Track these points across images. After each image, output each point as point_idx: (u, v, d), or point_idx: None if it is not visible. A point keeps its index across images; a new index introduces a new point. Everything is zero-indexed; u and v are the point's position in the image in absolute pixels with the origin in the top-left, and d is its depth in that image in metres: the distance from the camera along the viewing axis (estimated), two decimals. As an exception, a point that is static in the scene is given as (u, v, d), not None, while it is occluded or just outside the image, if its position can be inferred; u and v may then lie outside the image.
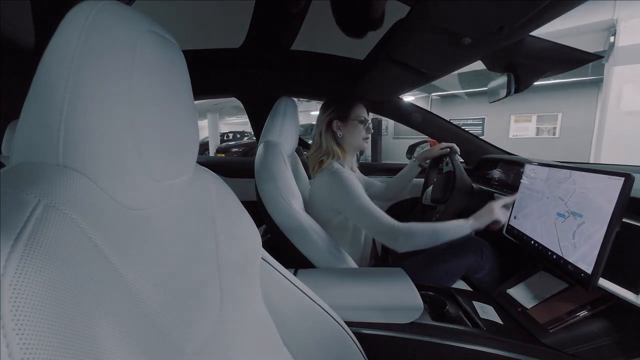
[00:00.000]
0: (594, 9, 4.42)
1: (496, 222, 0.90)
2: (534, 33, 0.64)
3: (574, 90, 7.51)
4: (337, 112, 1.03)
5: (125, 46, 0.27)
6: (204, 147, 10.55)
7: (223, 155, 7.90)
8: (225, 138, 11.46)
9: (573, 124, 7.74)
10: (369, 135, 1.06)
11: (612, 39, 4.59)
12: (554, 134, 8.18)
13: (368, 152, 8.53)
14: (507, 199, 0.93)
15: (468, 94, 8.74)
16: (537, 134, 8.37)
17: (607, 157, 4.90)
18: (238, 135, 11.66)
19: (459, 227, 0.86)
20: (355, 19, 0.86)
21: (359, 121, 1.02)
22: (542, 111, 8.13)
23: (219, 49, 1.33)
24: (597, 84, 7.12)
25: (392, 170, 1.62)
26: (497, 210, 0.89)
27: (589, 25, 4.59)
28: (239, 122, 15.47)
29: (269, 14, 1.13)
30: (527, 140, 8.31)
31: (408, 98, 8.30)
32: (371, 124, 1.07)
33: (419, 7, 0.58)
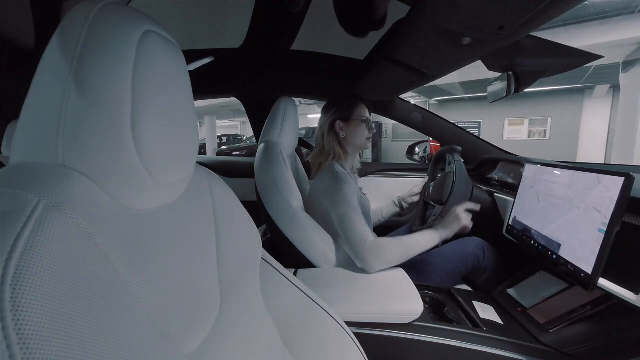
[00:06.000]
0: (630, 25, 4.89)
1: (464, 227, 0.92)
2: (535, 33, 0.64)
3: (562, 96, 8.41)
4: (340, 112, 1.02)
5: (126, 46, 0.27)
6: (200, 149, 10.67)
7: (224, 158, 8.14)
8: (219, 141, 11.64)
9: (561, 127, 8.67)
10: (372, 135, 1.06)
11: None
12: (544, 136, 8.97)
13: (369, 153, 8.63)
14: (470, 204, 0.96)
15: (465, 99, 9.28)
16: (529, 137, 9.14)
17: None
18: (232, 139, 11.98)
19: (429, 241, 0.87)
20: (358, 19, 0.86)
21: (361, 121, 1.02)
22: (534, 115, 8.93)
23: (219, 49, 1.33)
24: (583, 91, 8.34)
25: (392, 169, 1.62)
26: (462, 217, 0.92)
27: (615, 42, 5.08)
28: (229, 125, 15.64)
29: (269, 14, 1.13)
30: (520, 142, 9.06)
31: (408, 102, 8.86)
32: (373, 124, 1.07)
33: (419, 7, 0.58)
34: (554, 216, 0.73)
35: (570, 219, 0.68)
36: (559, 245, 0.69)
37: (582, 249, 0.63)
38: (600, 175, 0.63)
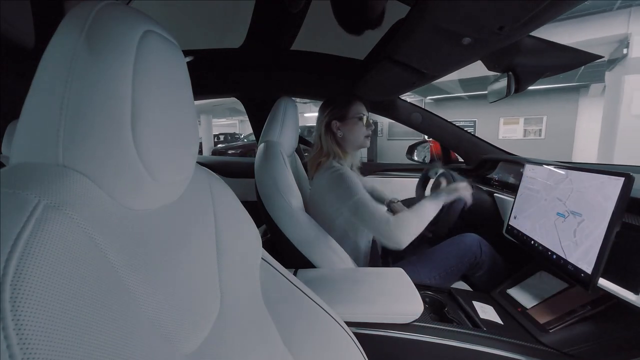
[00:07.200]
0: (608, 23, 5.00)
1: (465, 196, 0.96)
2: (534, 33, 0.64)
3: (557, 95, 8.35)
4: (335, 112, 1.02)
5: (126, 46, 0.27)
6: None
7: (220, 158, 8.24)
8: (216, 140, 11.72)
9: (556, 126, 8.61)
10: (370, 132, 1.04)
11: (625, 50, 5.16)
12: (539, 135, 8.93)
13: (364, 152, 8.62)
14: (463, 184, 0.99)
15: (461, 97, 9.27)
16: (525, 135, 9.10)
17: (620, 153, 5.53)
18: (229, 137, 12.06)
19: (435, 204, 0.91)
20: (355, 17, 0.86)
21: (358, 118, 1.01)
22: (529, 114, 8.87)
23: (219, 49, 1.33)
24: (578, 89, 8.24)
25: (391, 169, 1.62)
26: (461, 190, 0.96)
27: (598, 39, 5.14)
28: (227, 124, 15.73)
29: (269, 14, 1.13)
30: (516, 141, 8.98)
31: (403, 100, 8.91)
32: (371, 119, 1.06)
33: (419, 7, 0.58)
34: (553, 215, 0.77)
35: (570, 218, 0.71)
36: (560, 246, 0.72)
37: (584, 246, 0.66)
38: (599, 175, 0.65)
